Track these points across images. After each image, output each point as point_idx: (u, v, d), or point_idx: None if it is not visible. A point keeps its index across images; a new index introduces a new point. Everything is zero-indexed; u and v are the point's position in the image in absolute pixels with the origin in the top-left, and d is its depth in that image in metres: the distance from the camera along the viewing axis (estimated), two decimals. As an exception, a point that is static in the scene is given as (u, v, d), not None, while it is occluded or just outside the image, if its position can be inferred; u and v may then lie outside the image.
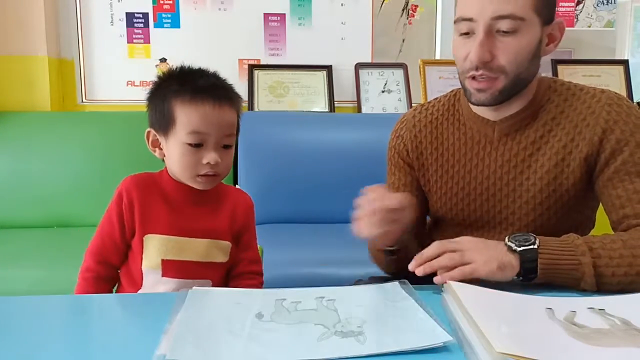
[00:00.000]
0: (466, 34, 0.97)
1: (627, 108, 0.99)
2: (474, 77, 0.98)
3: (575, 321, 0.70)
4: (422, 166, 1.13)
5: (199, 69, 1.04)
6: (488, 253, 0.87)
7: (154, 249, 1.01)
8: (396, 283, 0.87)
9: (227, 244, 1.07)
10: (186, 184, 1.04)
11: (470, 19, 0.95)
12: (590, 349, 0.63)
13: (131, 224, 1.02)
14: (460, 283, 0.82)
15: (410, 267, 0.88)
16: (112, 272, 1.06)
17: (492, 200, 1.06)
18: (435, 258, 0.87)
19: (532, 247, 0.86)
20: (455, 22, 0.99)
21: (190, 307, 0.77)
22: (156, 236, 1.02)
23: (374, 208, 0.87)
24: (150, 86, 1.05)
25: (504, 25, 0.93)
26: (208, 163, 0.98)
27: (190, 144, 0.98)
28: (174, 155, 1.00)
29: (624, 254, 0.87)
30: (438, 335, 0.65)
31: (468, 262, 0.85)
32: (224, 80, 1.05)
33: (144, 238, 1.02)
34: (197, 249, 1.03)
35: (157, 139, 1.03)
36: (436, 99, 1.17)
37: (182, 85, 0.99)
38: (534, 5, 0.94)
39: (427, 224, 1.21)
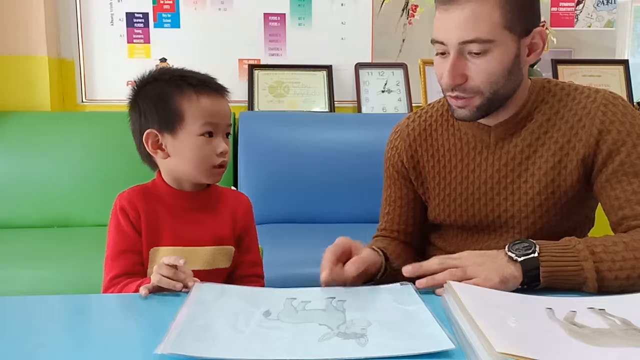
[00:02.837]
0: (442, 53, 0.98)
1: (623, 108, 0.99)
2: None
3: (575, 321, 0.70)
4: (419, 175, 1.13)
5: (182, 68, 1.05)
6: (489, 267, 0.86)
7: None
8: (409, 285, 0.87)
9: (231, 248, 1.07)
10: (184, 190, 1.03)
11: (442, 42, 0.96)
12: (590, 349, 0.63)
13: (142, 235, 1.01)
14: (461, 283, 0.83)
15: (406, 272, 0.87)
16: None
17: (491, 204, 1.06)
18: (434, 272, 0.87)
19: (532, 255, 0.86)
20: (431, 42, 0.99)
21: (199, 302, 0.77)
22: (162, 249, 1.00)
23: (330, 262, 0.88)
24: (132, 92, 1.04)
25: (473, 48, 0.93)
26: (221, 152, 1.00)
27: (204, 135, 0.99)
28: (187, 151, 0.99)
29: (627, 257, 0.86)
30: (440, 342, 0.65)
31: (470, 277, 0.85)
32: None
33: (150, 251, 1.00)
34: (203, 257, 1.02)
35: (157, 140, 1.01)
36: (429, 104, 1.17)
37: (182, 80, 1.00)
38: (503, 24, 0.92)
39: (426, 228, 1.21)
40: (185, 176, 1.03)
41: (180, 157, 1.00)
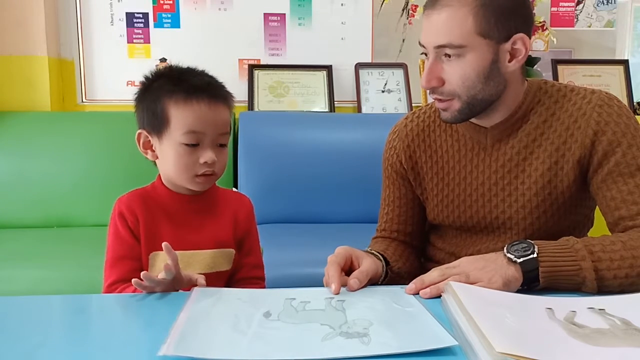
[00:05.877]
0: (427, 56, 0.99)
1: (618, 108, 0.99)
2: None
3: (575, 321, 0.70)
4: (417, 175, 1.13)
5: (189, 67, 1.02)
6: (491, 269, 0.86)
7: (161, 266, 0.97)
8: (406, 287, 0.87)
9: (231, 251, 1.06)
10: (183, 193, 1.03)
11: (423, 45, 0.98)
12: (590, 349, 0.63)
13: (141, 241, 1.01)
14: (460, 283, 0.83)
15: (409, 291, 0.86)
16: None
17: (489, 205, 1.06)
18: (437, 282, 0.86)
19: (532, 256, 0.86)
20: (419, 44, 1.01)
21: (199, 304, 0.77)
22: (162, 253, 0.98)
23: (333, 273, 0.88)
24: (139, 87, 1.03)
25: (448, 51, 0.95)
26: (205, 162, 0.97)
27: (186, 144, 0.97)
28: (170, 157, 0.99)
29: (625, 256, 0.87)
30: (442, 339, 0.65)
31: (473, 282, 0.84)
32: (216, 78, 1.04)
33: (149, 256, 1.00)
34: (203, 260, 1.02)
35: (149, 141, 1.01)
36: (427, 105, 1.17)
37: (176, 84, 0.98)
38: (476, 30, 0.93)
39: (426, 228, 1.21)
40: (173, 180, 1.02)
41: (165, 161, 1.00)
